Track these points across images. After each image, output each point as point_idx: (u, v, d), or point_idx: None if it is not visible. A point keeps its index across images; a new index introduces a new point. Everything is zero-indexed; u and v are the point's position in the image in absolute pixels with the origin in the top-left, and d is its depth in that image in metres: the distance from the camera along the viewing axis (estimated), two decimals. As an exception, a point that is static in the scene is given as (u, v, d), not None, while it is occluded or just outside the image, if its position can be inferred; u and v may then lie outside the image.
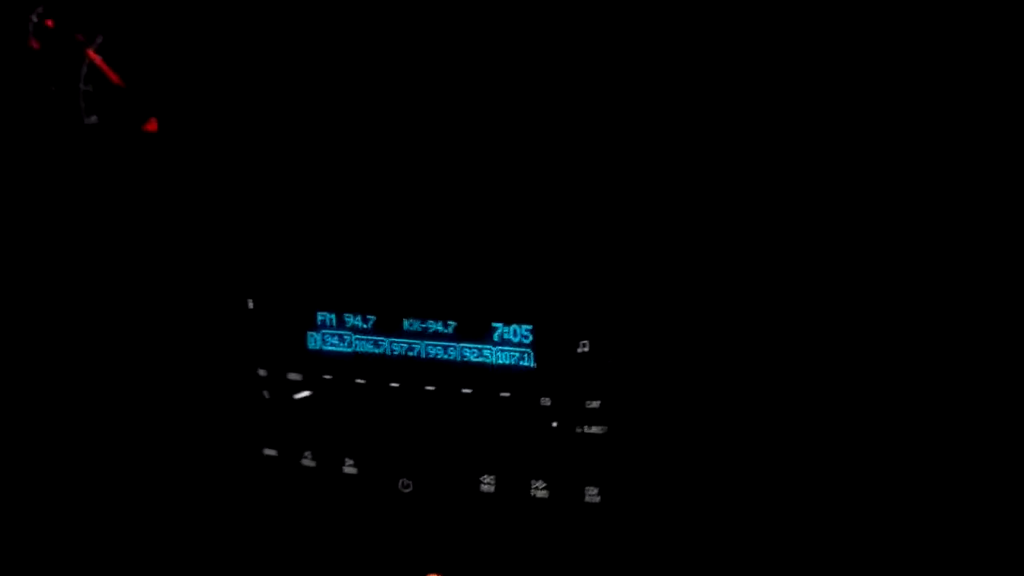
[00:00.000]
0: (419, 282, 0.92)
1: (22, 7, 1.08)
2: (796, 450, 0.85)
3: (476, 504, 0.93)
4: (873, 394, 0.82)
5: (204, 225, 1.01)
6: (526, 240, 0.89)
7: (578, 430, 0.88)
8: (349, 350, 0.94)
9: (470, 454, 0.92)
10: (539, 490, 0.91)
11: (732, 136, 0.83)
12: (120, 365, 1.06)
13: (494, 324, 0.90)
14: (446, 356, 0.91)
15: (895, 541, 0.84)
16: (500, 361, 0.90)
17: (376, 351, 0.93)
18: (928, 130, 0.78)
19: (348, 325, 0.94)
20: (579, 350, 0.87)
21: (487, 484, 0.92)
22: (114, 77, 1.07)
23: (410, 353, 0.93)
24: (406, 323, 0.92)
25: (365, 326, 0.94)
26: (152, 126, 1.06)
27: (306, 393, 0.97)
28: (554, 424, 0.89)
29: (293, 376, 0.97)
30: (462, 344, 0.91)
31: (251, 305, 0.98)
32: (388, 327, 0.93)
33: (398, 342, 0.93)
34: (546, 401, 0.89)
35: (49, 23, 1.08)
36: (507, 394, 0.90)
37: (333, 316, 0.95)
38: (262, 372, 0.98)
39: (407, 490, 0.95)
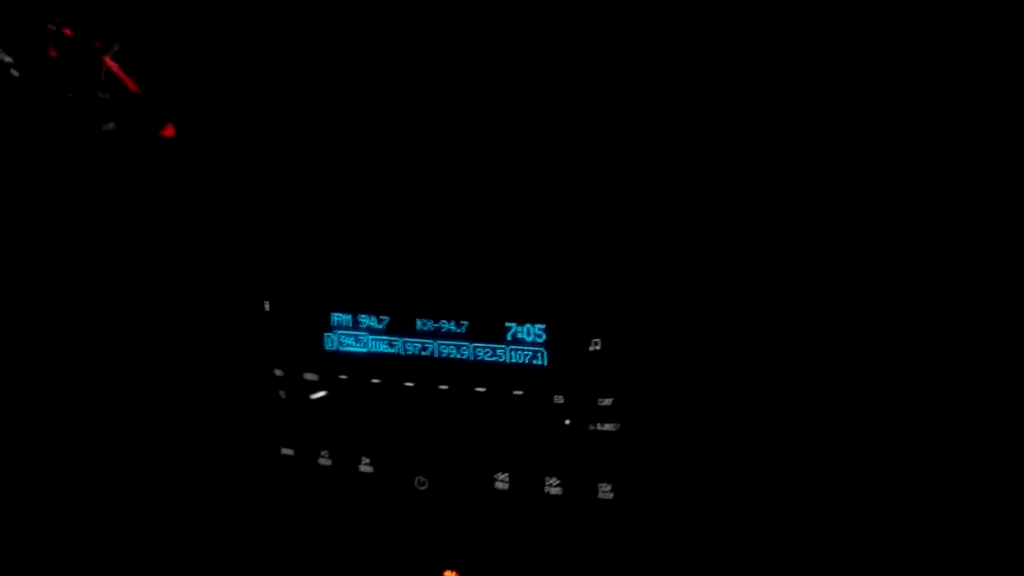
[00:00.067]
0: (433, 283, 0.93)
1: (41, 16, 1.10)
2: (807, 446, 0.85)
3: (490, 501, 0.94)
4: (886, 393, 0.82)
5: (221, 229, 1.02)
6: (538, 240, 0.90)
7: (591, 427, 0.89)
8: (364, 350, 0.96)
9: (484, 452, 0.93)
10: (553, 487, 0.91)
11: (746, 136, 0.84)
12: (140, 367, 1.07)
13: (507, 324, 0.90)
14: (460, 355, 0.92)
15: (904, 536, 0.84)
16: (513, 360, 0.91)
17: (391, 351, 0.95)
18: (929, 130, 0.79)
19: (363, 326, 0.95)
20: (591, 348, 0.88)
21: (501, 481, 0.93)
22: (131, 84, 1.08)
23: (424, 353, 0.94)
24: (420, 323, 0.93)
25: (380, 326, 0.95)
26: (169, 131, 1.07)
27: (322, 393, 0.98)
28: (567, 422, 0.90)
29: (309, 376, 0.98)
30: (475, 344, 0.92)
31: (267, 307, 0.99)
32: (402, 327, 0.94)
33: (412, 342, 0.94)
34: (559, 399, 0.90)
35: (67, 32, 1.10)
36: (520, 392, 0.91)
37: (348, 317, 0.96)
38: (279, 372, 0.99)
39: (423, 488, 0.96)
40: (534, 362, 0.90)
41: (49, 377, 1.10)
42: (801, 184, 0.83)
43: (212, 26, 1.01)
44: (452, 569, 0.95)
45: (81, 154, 1.09)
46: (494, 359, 0.91)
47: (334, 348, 0.97)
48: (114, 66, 1.08)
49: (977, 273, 0.79)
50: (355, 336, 0.96)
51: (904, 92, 0.79)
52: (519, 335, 0.90)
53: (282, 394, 1.00)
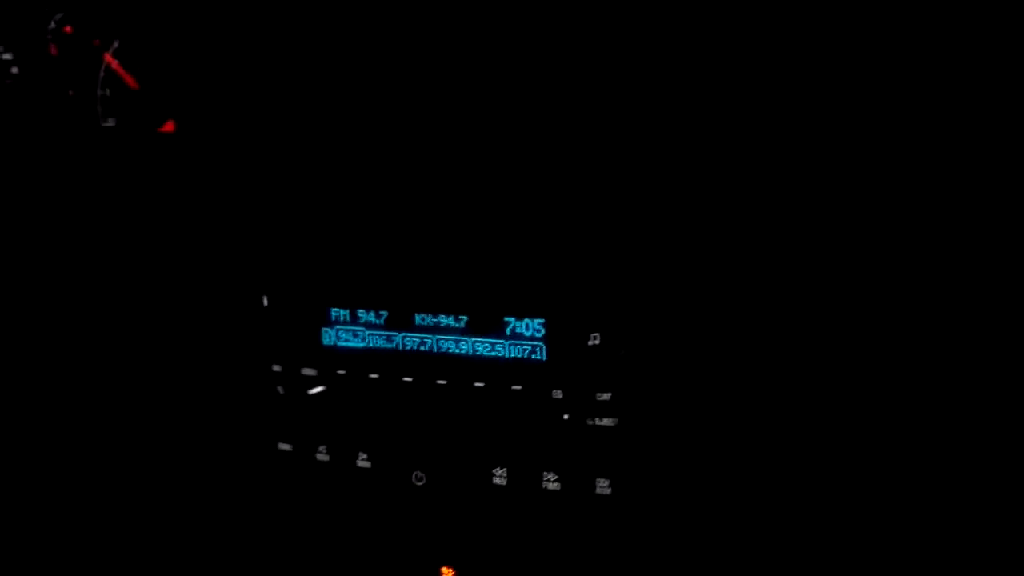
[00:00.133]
0: (431, 277, 0.93)
1: (41, 14, 1.10)
2: (806, 442, 0.85)
3: (488, 497, 0.93)
4: (884, 388, 0.82)
5: (219, 224, 1.02)
6: (537, 235, 0.90)
7: (589, 422, 0.89)
8: (362, 345, 0.95)
9: (482, 447, 0.93)
10: (551, 482, 0.91)
11: (744, 130, 0.84)
12: (137, 362, 1.07)
13: (506, 318, 0.90)
14: (458, 350, 0.92)
15: (904, 535, 0.84)
16: (512, 355, 0.91)
17: (389, 346, 0.94)
18: (930, 130, 0.79)
19: (361, 321, 0.95)
20: (590, 343, 0.88)
21: (499, 477, 0.93)
22: (131, 81, 1.09)
23: (422, 348, 0.93)
24: (418, 318, 0.93)
25: (378, 321, 0.95)
26: (169, 128, 1.07)
27: (320, 388, 0.98)
28: (565, 417, 0.90)
29: (307, 371, 0.98)
30: (474, 338, 0.92)
31: (266, 302, 0.99)
32: (400, 322, 0.94)
33: (410, 337, 0.94)
34: (558, 394, 0.89)
35: (67, 29, 1.10)
36: (519, 387, 0.91)
37: (346, 312, 0.96)
38: (276, 368, 0.99)
39: (420, 483, 0.96)
40: (533, 357, 0.90)
41: (47, 371, 1.10)
42: (799, 176, 0.83)
43: (211, 23, 1.02)
44: (449, 565, 0.95)
45: (81, 151, 1.10)
46: (493, 354, 0.91)
47: (332, 343, 0.97)
48: (114, 63, 1.08)
49: (977, 273, 0.79)
50: (353, 331, 0.96)
51: (904, 92, 0.79)
52: (518, 330, 0.90)
53: (280, 389, 0.99)
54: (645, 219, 0.87)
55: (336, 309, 0.96)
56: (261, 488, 1.03)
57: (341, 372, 0.97)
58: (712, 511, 0.88)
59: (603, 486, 0.90)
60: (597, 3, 0.86)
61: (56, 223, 1.10)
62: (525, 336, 0.90)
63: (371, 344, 0.95)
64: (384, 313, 0.94)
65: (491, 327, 0.91)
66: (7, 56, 1.13)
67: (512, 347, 0.91)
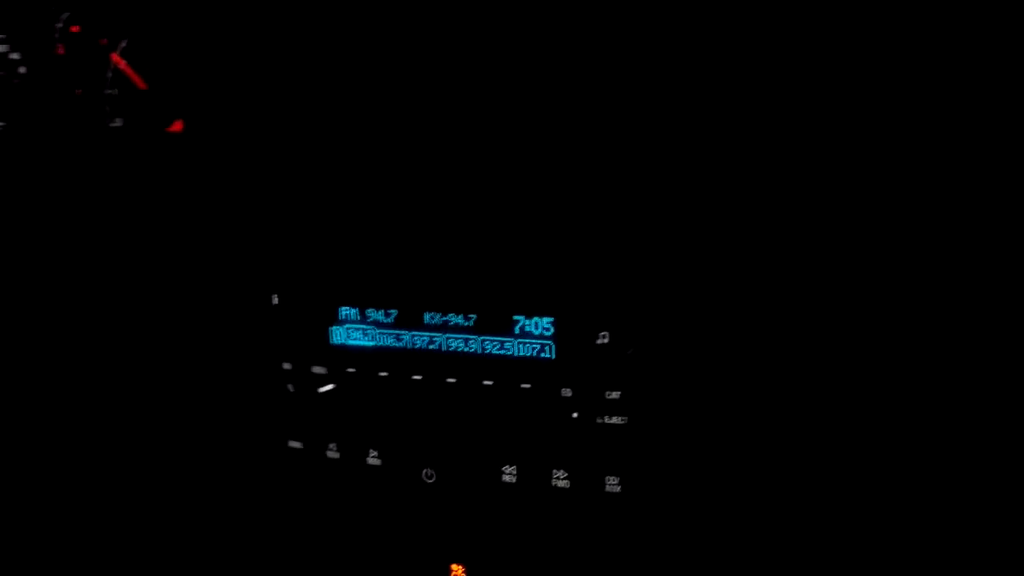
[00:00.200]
0: (440, 276, 0.93)
1: (49, 14, 1.10)
2: (814, 438, 0.85)
3: (498, 494, 0.94)
4: (891, 386, 0.83)
5: (229, 223, 1.03)
6: (546, 233, 0.90)
7: (598, 420, 0.89)
8: (372, 344, 0.96)
9: (492, 445, 0.93)
10: (560, 480, 0.91)
11: (753, 128, 0.84)
12: (148, 361, 1.07)
13: (515, 317, 0.91)
14: (467, 349, 0.93)
15: (914, 531, 0.84)
16: (521, 353, 0.91)
17: (398, 344, 0.95)
18: (930, 130, 0.79)
19: (371, 319, 0.96)
20: (599, 341, 0.88)
21: (509, 475, 0.93)
22: (138, 81, 1.09)
23: (432, 346, 0.94)
24: (427, 317, 0.93)
25: (387, 320, 0.95)
26: (177, 127, 1.07)
27: (330, 386, 0.98)
28: (575, 415, 0.90)
29: (317, 370, 0.98)
30: (483, 337, 0.92)
31: (276, 301, 0.99)
32: (410, 321, 0.94)
33: (420, 335, 0.94)
34: (567, 392, 0.90)
35: (75, 29, 1.10)
36: (528, 386, 0.91)
37: (356, 311, 0.96)
38: (287, 366, 0.99)
39: (430, 481, 0.96)
40: (542, 355, 0.90)
41: (58, 371, 1.10)
42: (808, 176, 0.83)
43: (219, 23, 1.02)
44: (459, 562, 0.95)
45: (89, 151, 1.10)
46: (502, 352, 0.91)
47: (342, 342, 0.97)
48: (121, 63, 1.08)
49: (977, 273, 0.79)
50: (363, 330, 0.96)
51: (904, 92, 0.80)
52: (527, 328, 0.90)
53: (290, 387, 1.00)
54: (654, 218, 0.87)
55: (345, 308, 0.96)
56: (272, 486, 1.03)
57: (351, 370, 0.97)
58: (721, 509, 0.89)
59: (612, 484, 0.90)
60: (599, 12, 0.87)
61: (65, 223, 1.10)
62: (534, 335, 0.90)
63: (380, 343, 0.95)
64: (393, 312, 0.95)
65: (500, 326, 0.91)
66: (15, 56, 1.13)
67: (521, 346, 0.91)
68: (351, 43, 0.96)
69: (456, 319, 0.93)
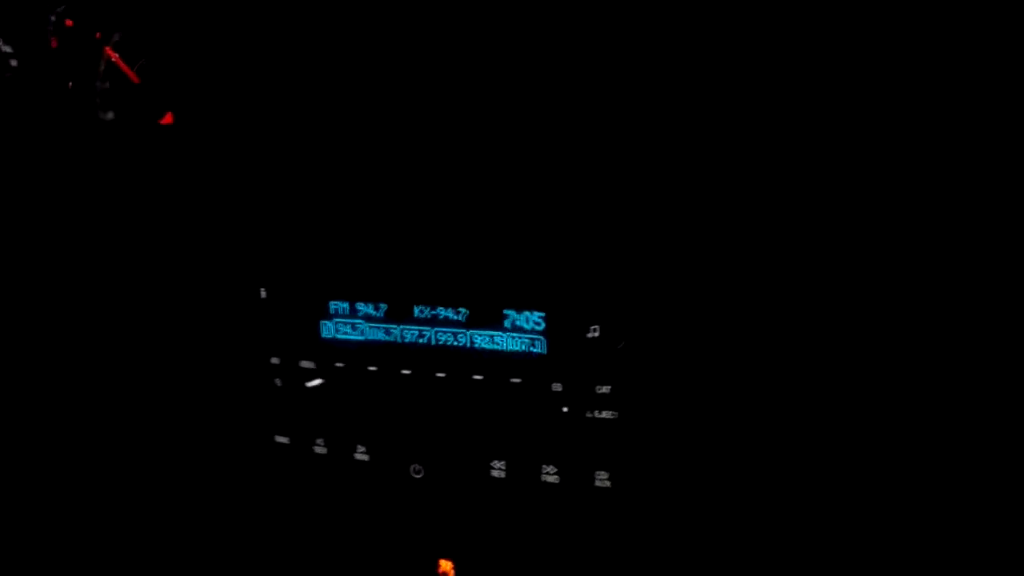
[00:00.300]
0: (430, 270, 0.93)
1: (42, 7, 1.10)
2: (806, 435, 0.85)
3: (487, 490, 0.93)
4: (882, 379, 0.82)
5: (218, 216, 1.02)
6: (536, 227, 0.90)
7: (589, 415, 0.89)
8: (361, 338, 0.95)
9: (481, 440, 0.93)
10: (549, 475, 0.91)
11: (743, 122, 0.84)
12: (135, 354, 1.07)
13: (506, 311, 0.90)
14: (457, 343, 0.92)
15: (904, 536, 0.83)
16: (512, 347, 0.90)
17: (387, 338, 0.94)
18: (930, 130, 0.79)
19: (360, 313, 0.95)
20: (590, 335, 0.88)
21: (498, 469, 0.92)
22: (131, 74, 1.09)
23: (421, 340, 0.93)
24: (417, 310, 0.93)
25: (377, 314, 0.94)
26: (168, 119, 1.07)
27: (318, 381, 0.97)
28: (565, 409, 0.89)
29: (305, 364, 0.98)
30: (473, 331, 0.92)
31: (264, 294, 0.99)
32: (399, 315, 0.94)
33: (409, 329, 0.93)
34: (557, 387, 0.89)
35: (68, 22, 1.10)
36: (518, 380, 0.90)
37: (345, 304, 0.95)
38: (275, 360, 0.99)
39: (418, 476, 0.96)
40: (532, 350, 0.90)
41: (43, 360, 1.09)
42: (798, 168, 0.83)
43: (211, 16, 1.02)
44: (448, 557, 0.94)
45: (80, 143, 1.09)
46: (492, 347, 0.91)
47: (331, 335, 0.96)
48: (114, 56, 1.08)
49: (977, 273, 0.79)
50: (352, 323, 0.95)
51: (904, 92, 0.80)
52: (518, 322, 0.90)
53: (278, 382, 0.99)
54: (645, 211, 0.87)
55: (335, 302, 0.96)
56: (259, 481, 1.02)
57: (339, 365, 0.96)
58: (711, 504, 0.88)
59: (602, 479, 0.89)
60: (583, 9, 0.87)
61: (55, 215, 1.09)
62: (525, 329, 0.90)
63: (370, 337, 0.95)
64: (383, 305, 0.94)
65: (491, 320, 0.91)
66: (7, 49, 1.13)
67: (512, 340, 0.91)
68: (341, 37, 0.96)
69: (446, 313, 0.92)
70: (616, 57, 0.87)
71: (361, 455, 0.97)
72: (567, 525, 0.91)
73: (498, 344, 0.91)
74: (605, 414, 0.88)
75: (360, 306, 0.95)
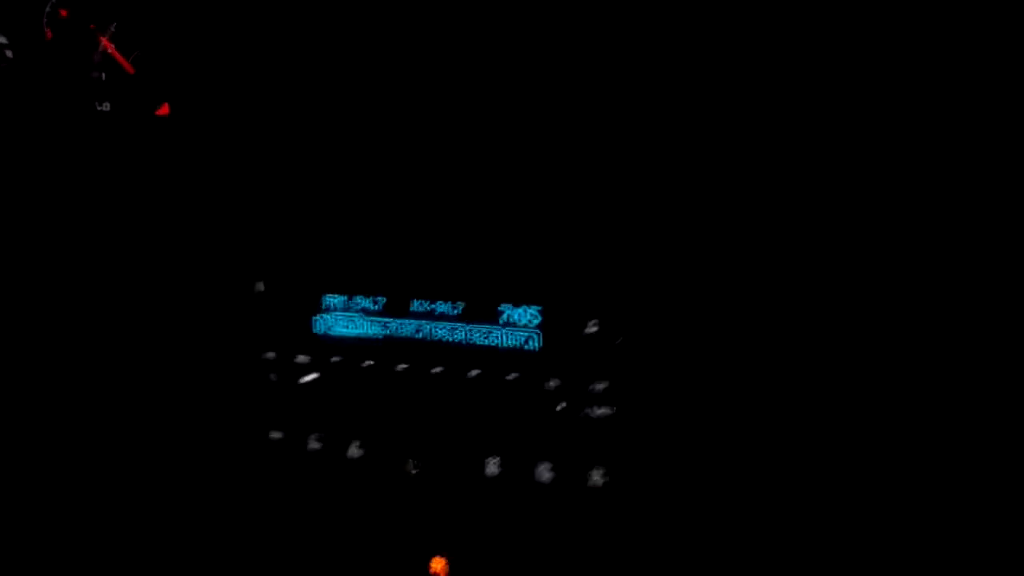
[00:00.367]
0: (427, 264, 0.92)
1: (35, -3, 1.10)
2: (805, 433, 0.84)
3: (481, 486, 0.92)
4: (882, 377, 0.81)
5: (213, 209, 1.02)
6: (533, 221, 0.89)
7: (585, 412, 0.88)
8: (356, 332, 0.95)
9: (476, 436, 0.92)
10: (545, 472, 0.90)
11: (738, 118, 0.83)
12: (128, 347, 1.06)
13: (502, 306, 0.90)
14: (453, 338, 0.91)
15: (903, 535, 0.83)
16: (507, 343, 0.90)
17: (383, 332, 0.94)
18: (929, 130, 0.78)
19: (355, 308, 0.95)
20: (586, 331, 0.87)
21: (493, 466, 0.92)
22: (126, 65, 1.08)
23: (417, 335, 0.93)
24: (414, 305, 0.92)
25: (373, 308, 0.94)
26: (164, 111, 1.07)
27: (313, 376, 0.97)
28: (561, 406, 0.89)
29: (300, 359, 0.97)
30: (469, 326, 0.91)
31: (259, 288, 0.98)
32: (395, 309, 0.93)
33: (405, 324, 0.93)
34: (553, 383, 0.89)
35: (63, 13, 1.09)
36: (514, 376, 0.90)
37: (341, 299, 0.95)
38: (269, 355, 0.98)
39: (413, 472, 0.95)
40: (528, 345, 0.89)
41: (36, 355, 1.09)
42: (796, 164, 0.82)
43: (207, 7, 1.01)
44: (441, 554, 0.94)
45: (76, 135, 1.09)
46: (488, 342, 0.90)
47: (326, 330, 0.96)
48: (110, 47, 1.08)
49: (977, 273, 0.78)
50: (347, 318, 0.95)
51: (904, 92, 0.79)
52: (513, 318, 0.90)
53: (272, 377, 0.99)
54: (642, 206, 0.86)
55: (330, 296, 0.95)
56: (252, 477, 1.02)
57: (334, 359, 0.96)
58: (708, 503, 0.87)
59: (597, 477, 0.89)
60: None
61: (50, 207, 1.09)
62: (521, 324, 0.89)
63: (365, 331, 0.94)
64: (378, 300, 0.94)
65: (487, 315, 0.90)
66: (2, 40, 1.12)
67: (507, 335, 0.90)
68: (338, 29, 0.95)
69: (443, 308, 0.92)
70: (613, 51, 0.86)
71: (355, 451, 0.96)
72: (562, 523, 0.91)
73: (494, 339, 0.90)
74: (601, 411, 0.87)
75: (355, 300, 0.94)
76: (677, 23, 0.84)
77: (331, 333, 0.95)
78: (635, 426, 0.87)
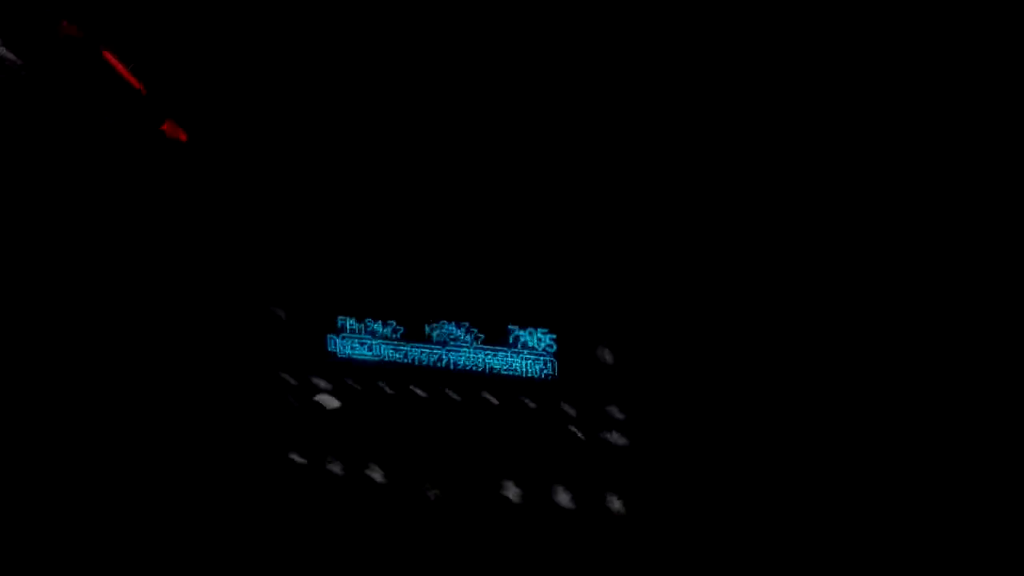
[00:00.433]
0: (444, 289, 0.93)
1: (47, 14, 1.08)
2: (822, 459, 0.84)
3: (499, 512, 0.93)
4: (907, 404, 0.82)
5: (230, 231, 1.02)
6: (550, 247, 0.89)
7: (601, 438, 0.89)
8: (374, 357, 0.95)
9: (493, 462, 0.93)
10: (562, 498, 0.91)
11: (761, 149, 0.82)
12: (148, 371, 1.07)
13: (518, 332, 0.90)
14: (469, 364, 0.92)
15: (925, 553, 0.84)
16: (523, 368, 0.90)
17: (400, 357, 0.94)
18: (929, 131, 0.78)
19: (372, 331, 0.95)
20: (602, 358, 0.88)
21: (510, 492, 0.93)
22: (134, 81, 1.07)
23: (434, 360, 0.93)
24: (429, 330, 0.93)
25: (389, 333, 0.94)
26: (175, 132, 1.06)
27: (331, 399, 0.98)
28: (577, 432, 0.90)
29: (319, 382, 0.98)
30: (485, 351, 0.91)
31: (277, 312, 0.99)
32: (412, 334, 0.94)
33: (422, 348, 0.93)
34: (569, 409, 0.89)
35: (73, 29, 1.08)
36: (530, 402, 0.91)
37: (358, 323, 0.95)
38: (288, 378, 0.99)
39: (431, 497, 0.96)
40: (544, 371, 0.90)
41: (56, 381, 1.10)
42: (818, 198, 0.81)
43: (219, 25, 1.00)
44: (460, 579, 0.96)
45: (85, 153, 1.08)
46: (504, 367, 0.91)
47: (343, 354, 0.96)
48: (119, 65, 1.07)
49: (977, 273, 0.78)
50: (365, 342, 0.95)
51: (904, 92, 0.78)
52: (529, 343, 0.90)
53: (291, 400, 0.99)
54: (661, 233, 0.86)
55: (346, 319, 0.96)
56: (272, 500, 1.03)
57: (352, 384, 0.96)
58: (726, 530, 0.88)
59: (615, 503, 0.90)
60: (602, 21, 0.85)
61: (60, 225, 1.09)
62: (536, 349, 0.90)
63: (383, 355, 0.95)
64: (395, 324, 0.94)
65: (503, 340, 0.91)
66: (11, 55, 1.11)
67: (523, 360, 0.90)
68: (351, 52, 0.94)
69: (459, 332, 0.92)
70: (633, 73, 0.85)
71: (374, 475, 0.97)
72: (579, 549, 0.92)
73: (510, 365, 0.91)
74: (617, 437, 0.88)
75: (372, 324, 0.95)
76: (701, 53, 0.83)
77: (347, 356, 0.96)
78: (652, 452, 0.88)
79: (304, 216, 0.98)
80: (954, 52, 0.76)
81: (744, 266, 0.84)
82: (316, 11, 0.95)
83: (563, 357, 0.89)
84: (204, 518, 1.06)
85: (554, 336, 0.89)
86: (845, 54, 0.79)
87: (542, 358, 0.90)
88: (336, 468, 0.98)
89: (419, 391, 0.94)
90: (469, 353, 0.92)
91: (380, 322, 0.95)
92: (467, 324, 0.92)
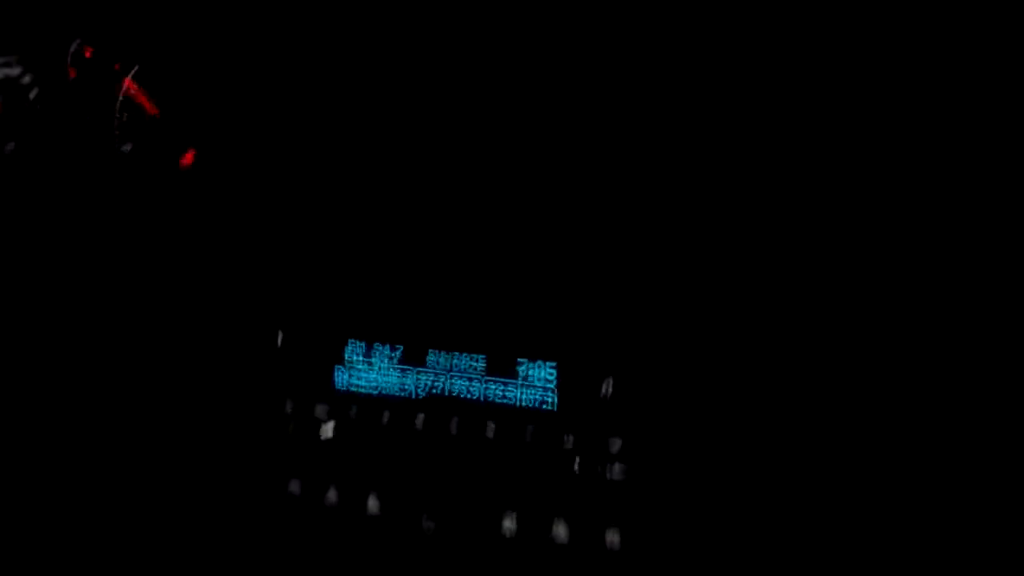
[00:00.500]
0: (445, 318, 0.93)
1: (62, 38, 1.10)
2: (826, 491, 0.84)
3: (498, 545, 0.93)
4: (918, 433, 0.81)
5: (234, 257, 1.02)
6: (553, 278, 0.90)
7: (600, 471, 0.88)
8: (376, 386, 0.95)
9: (493, 494, 0.92)
10: (560, 532, 0.90)
11: (770, 173, 0.83)
12: (147, 395, 1.07)
13: (519, 361, 0.90)
14: (470, 395, 0.92)
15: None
16: (524, 399, 0.90)
17: (403, 386, 0.94)
18: (929, 131, 0.78)
19: (375, 359, 0.95)
20: (603, 390, 0.87)
21: (509, 524, 0.92)
22: (149, 107, 1.08)
23: (435, 390, 0.93)
24: (431, 359, 0.93)
25: (392, 361, 0.94)
26: (187, 155, 1.07)
27: (332, 428, 0.97)
28: (577, 465, 0.89)
29: (319, 411, 0.97)
30: (487, 382, 0.91)
31: (279, 339, 0.99)
32: (414, 362, 0.93)
33: (424, 376, 0.93)
34: (569, 441, 0.89)
35: (88, 52, 1.10)
36: (530, 433, 0.90)
37: (361, 351, 0.95)
38: (288, 406, 0.99)
39: (428, 529, 0.95)
40: (545, 402, 0.89)
41: (57, 404, 1.10)
42: (828, 221, 0.82)
43: (234, 50, 1.01)
44: (456, 611, 0.94)
45: (97, 176, 1.09)
46: (504, 398, 0.91)
47: (345, 382, 0.96)
48: (133, 88, 1.08)
49: (977, 273, 0.78)
50: (367, 371, 0.95)
51: (904, 92, 0.78)
52: (531, 374, 0.90)
53: (290, 428, 0.99)
54: (664, 265, 0.86)
55: (350, 348, 0.96)
56: (269, 529, 1.02)
57: (353, 412, 0.96)
58: (726, 564, 0.87)
59: (614, 537, 0.89)
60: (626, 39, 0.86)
61: (71, 249, 1.10)
62: (537, 380, 0.90)
63: (385, 384, 0.95)
64: (398, 353, 0.94)
65: (504, 370, 0.91)
66: (26, 79, 1.13)
67: (524, 391, 0.90)
68: (364, 82, 0.95)
69: (461, 362, 0.92)
70: (637, 101, 0.86)
71: (372, 506, 0.97)
72: (577, 584, 0.91)
73: (511, 395, 0.91)
74: (618, 470, 0.88)
75: (375, 353, 0.95)
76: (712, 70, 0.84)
77: (352, 385, 0.96)
78: (651, 485, 0.87)
79: (310, 244, 0.99)
80: (954, 52, 0.76)
81: (747, 299, 0.84)
82: (336, 44, 0.97)
83: (564, 389, 0.89)
84: (199, 542, 1.05)
85: (554, 364, 0.89)
86: (844, 56, 0.79)
87: (543, 391, 0.90)
88: (332, 496, 0.98)
89: (418, 421, 0.94)
90: (471, 384, 0.92)
91: (383, 350, 0.94)
92: (470, 354, 0.92)
